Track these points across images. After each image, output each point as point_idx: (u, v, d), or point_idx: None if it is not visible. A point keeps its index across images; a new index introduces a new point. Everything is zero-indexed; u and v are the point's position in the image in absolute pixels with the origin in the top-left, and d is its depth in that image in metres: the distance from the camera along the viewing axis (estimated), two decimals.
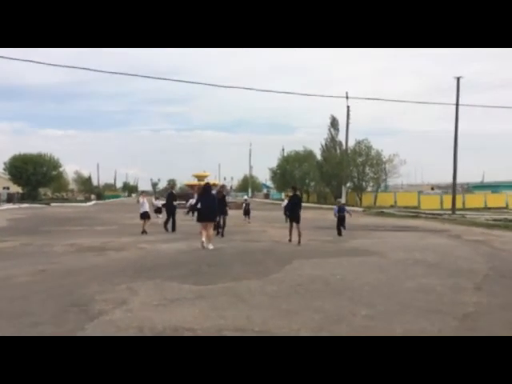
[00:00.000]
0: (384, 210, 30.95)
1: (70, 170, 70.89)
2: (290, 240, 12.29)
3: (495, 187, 51.76)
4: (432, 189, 68.42)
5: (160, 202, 21.57)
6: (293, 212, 12.60)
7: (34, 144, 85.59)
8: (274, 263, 8.79)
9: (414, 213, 28.33)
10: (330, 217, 26.03)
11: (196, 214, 12.14)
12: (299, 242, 11.80)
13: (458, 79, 28.70)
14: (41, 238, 13.74)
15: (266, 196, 74.02)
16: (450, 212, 28.95)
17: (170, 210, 16.24)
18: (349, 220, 22.87)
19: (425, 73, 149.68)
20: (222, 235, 14.01)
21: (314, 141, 52.92)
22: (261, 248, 11.12)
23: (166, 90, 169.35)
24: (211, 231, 11.57)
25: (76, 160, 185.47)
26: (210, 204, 11.31)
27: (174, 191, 18.06)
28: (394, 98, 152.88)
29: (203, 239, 10.76)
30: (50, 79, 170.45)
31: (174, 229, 15.69)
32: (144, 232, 14.72)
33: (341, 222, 15.28)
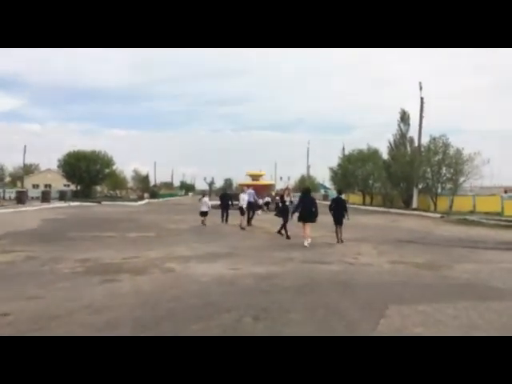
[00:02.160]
0: (467, 217, 26.40)
1: (131, 168, 70.89)
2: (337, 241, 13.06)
3: None
4: (505, 192, 61.86)
5: (207, 205, 19.39)
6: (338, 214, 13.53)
7: (99, 144, 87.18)
8: (359, 313, 5.51)
9: (507, 221, 23.61)
10: (405, 224, 22.27)
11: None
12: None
13: None
14: (57, 247, 11.31)
15: (325, 197, 70.01)
16: None
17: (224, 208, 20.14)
18: (432, 230, 19.02)
19: (487, 68, 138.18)
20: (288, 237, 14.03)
21: (373, 139, 48.50)
22: (331, 277, 7.81)
23: (224, 90, 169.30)
24: (308, 230, 12.52)
25: (137, 159, 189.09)
26: (309, 206, 12.55)
27: (228, 191, 22.72)
28: (452, 95, 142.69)
29: (306, 241, 12.24)
30: (116, 81, 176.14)
31: (226, 220, 19.64)
32: (203, 223, 18.37)
33: (337, 220, 13.43)
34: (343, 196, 15.78)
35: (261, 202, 26.76)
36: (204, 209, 18.97)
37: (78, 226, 17.26)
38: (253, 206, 19.71)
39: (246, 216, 18.37)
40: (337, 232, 13.31)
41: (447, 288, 7.09)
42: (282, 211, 14.73)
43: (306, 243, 12.19)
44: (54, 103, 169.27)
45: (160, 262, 9.30)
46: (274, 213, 16.97)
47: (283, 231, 14.33)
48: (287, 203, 14.96)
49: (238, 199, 19.94)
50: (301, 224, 12.78)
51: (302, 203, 12.79)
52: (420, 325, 5.06)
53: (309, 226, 12.54)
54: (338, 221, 13.40)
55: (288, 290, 6.73)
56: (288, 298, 6.17)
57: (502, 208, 32.68)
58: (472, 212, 33.46)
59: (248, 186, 36.92)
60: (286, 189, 17.33)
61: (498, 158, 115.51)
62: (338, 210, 13.54)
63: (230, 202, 20.96)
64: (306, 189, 13.96)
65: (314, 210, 12.52)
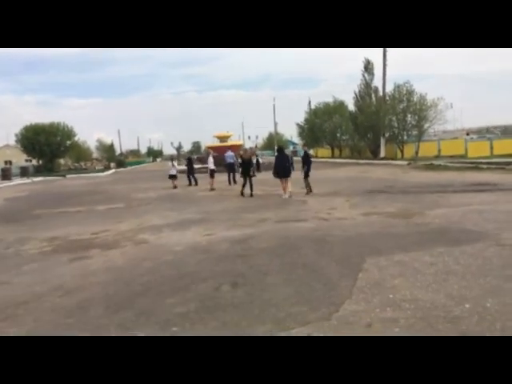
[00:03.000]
0: (433, 162, 26.90)
1: (94, 138, 68.46)
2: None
3: None
4: (467, 134, 63.44)
5: (175, 169, 21.28)
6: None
7: (58, 115, 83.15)
8: (337, 269, 5.47)
9: (472, 163, 24.18)
10: (374, 174, 22.50)
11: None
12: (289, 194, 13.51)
13: None
14: (21, 227, 10.85)
15: (294, 153, 70.05)
16: (510, 160, 24.63)
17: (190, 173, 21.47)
18: (401, 177, 19.32)
19: None
20: (251, 195, 14.41)
21: (339, 92, 48.34)
22: (306, 235, 7.75)
23: (187, 51, 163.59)
24: (289, 184, 13.64)
25: (100, 128, 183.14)
26: (284, 162, 13.72)
27: (191, 156, 23.54)
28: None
29: (283, 193, 13.57)
30: (71, 48, 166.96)
31: (196, 183, 20.81)
32: (175, 187, 19.82)
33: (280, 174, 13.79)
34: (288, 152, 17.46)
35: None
36: (173, 172, 20.75)
37: (43, 203, 16.61)
38: (233, 167, 20.26)
39: (214, 179, 18.81)
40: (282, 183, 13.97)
41: (421, 235, 7.14)
42: (243, 172, 15.17)
43: (284, 196, 13.46)
44: (4, 74, 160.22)
45: (131, 233, 9.03)
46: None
47: (249, 191, 14.67)
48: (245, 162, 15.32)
49: (205, 162, 20.86)
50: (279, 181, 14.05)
51: (277, 160, 14.10)
52: (398, 275, 5.05)
53: (287, 180, 13.66)
54: (282, 174, 13.85)
55: (264, 251, 6.63)
56: (265, 261, 6.06)
57: (466, 150, 33.50)
58: (437, 156, 34.16)
59: (213, 148, 36.56)
60: (245, 150, 17.41)
61: (459, 101, 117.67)
62: (282, 164, 13.94)
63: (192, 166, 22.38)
64: (280, 147, 15.91)
65: (287, 165, 13.67)
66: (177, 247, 7.36)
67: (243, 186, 14.80)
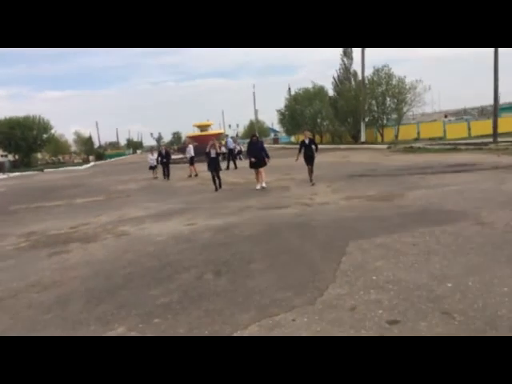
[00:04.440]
0: (413, 145, 27.15)
1: (72, 131, 67.04)
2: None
3: None
4: (445, 116, 64.20)
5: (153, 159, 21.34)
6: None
7: (33, 108, 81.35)
8: (321, 254, 5.44)
9: (451, 145, 24.48)
10: (355, 159, 22.57)
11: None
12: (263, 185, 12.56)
13: None
14: None
15: (276, 141, 69.92)
16: (487, 140, 25.00)
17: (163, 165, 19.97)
18: (381, 161, 19.41)
19: None
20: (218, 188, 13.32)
21: (319, 78, 48.34)
22: (289, 221, 7.71)
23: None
24: (263, 175, 12.77)
25: (77, 121, 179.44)
26: (259, 152, 12.83)
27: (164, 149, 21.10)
28: None
29: (258, 185, 12.59)
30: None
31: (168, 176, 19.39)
32: (156, 178, 19.93)
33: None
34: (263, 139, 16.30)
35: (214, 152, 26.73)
36: (153, 163, 21.06)
37: (20, 198, 16.22)
38: (233, 153, 22.60)
39: (194, 166, 19.55)
40: (256, 174, 13.00)
41: (403, 217, 7.17)
42: (210, 164, 13.47)
43: (258, 186, 12.54)
44: None
45: (112, 226, 8.86)
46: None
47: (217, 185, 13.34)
48: (212, 155, 13.39)
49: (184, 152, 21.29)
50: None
51: (250, 149, 13.32)
52: (381, 258, 5.05)
53: (261, 170, 12.78)
54: (256, 164, 12.84)
55: (247, 239, 6.57)
56: (248, 248, 6.00)
57: (445, 132, 33.93)
58: (417, 139, 34.51)
59: (194, 137, 36.21)
60: (210, 141, 14.17)
61: (437, 83, 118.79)
62: (256, 153, 12.91)
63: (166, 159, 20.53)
64: (253, 135, 14.05)
65: (262, 154, 12.81)
66: (158, 238, 7.25)
67: (213, 181, 13.32)
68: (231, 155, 22.53)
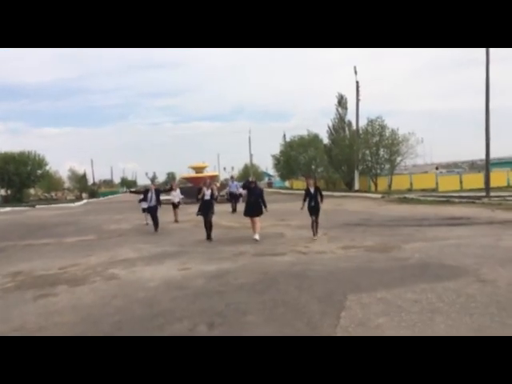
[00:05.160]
0: (406, 196, 27.33)
1: (66, 167, 67.03)
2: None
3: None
4: (437, 168, 65.43)
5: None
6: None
7: (30, 143, 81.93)
8: (319, 307, 5.24)
9: (444, 197, 24.66)
10: (350, 207, 22.54)
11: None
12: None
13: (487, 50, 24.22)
14: None
15: (269, 185, 70.39)
16: (480, 194, 25.24)
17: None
18: (376, 210, 19.36)
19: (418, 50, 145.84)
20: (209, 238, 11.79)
21: (312, 125, 49.39)
22: (285, 270, 7.51)
23: (161, 83, 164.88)
24: (258, 224, 11.46)
25: (73, 157, 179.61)
26: (255, 198, 11.54)
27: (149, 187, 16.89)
28: (391, 78, 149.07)
29: (253, 233, 11.27)
30: (46, 77, 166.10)
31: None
32: (147, 224, 16.23)
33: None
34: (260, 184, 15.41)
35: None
36: (145, 206, 16.32)
37: (9, 234, 15.86)
38: (236, 196, 22.51)
39: (178, 211, 18.59)
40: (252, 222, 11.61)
41: (402, 270, 7.02)
42: (202, 208, 12.11)
43: (255, 236, 11.09)
44: None
45: (102, 268, 8.60)
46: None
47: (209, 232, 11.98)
48: (207, 197, 12.04)
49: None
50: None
51: (248, 196, 12.05)
52: (382, 314, 4.86)
53: (256, 220, 11.43)
54: (253, 212, 11.57)
55: (242, 288, 6.35)
56: (243, 298, 5.78)
57: (437, 184, 34.31)
58: (410, 190, 34.81)
59: (189, 178, 36.30)
60: (206, 181, 12.79)
61: (429, 136, 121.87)
62: (253, 200, 11.64)
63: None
64: (247, 180, 12.60)
65: (260, 201, 11.44)
66: (150, 283, 7.00)
67: (206, 227, 11.95)
68: (234, 199, 22.30)
